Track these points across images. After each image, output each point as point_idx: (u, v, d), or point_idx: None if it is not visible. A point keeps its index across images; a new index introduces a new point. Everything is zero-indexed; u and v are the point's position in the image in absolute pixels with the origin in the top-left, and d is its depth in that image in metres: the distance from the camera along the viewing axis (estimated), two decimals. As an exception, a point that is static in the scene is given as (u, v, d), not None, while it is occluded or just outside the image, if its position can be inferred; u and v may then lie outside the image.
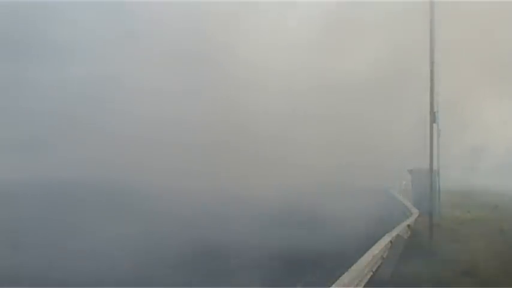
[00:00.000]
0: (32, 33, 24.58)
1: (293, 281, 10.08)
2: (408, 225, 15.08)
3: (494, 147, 33.79)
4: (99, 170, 24.07)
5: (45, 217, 17.31)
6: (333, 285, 6.78)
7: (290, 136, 25.75)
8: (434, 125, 14.85)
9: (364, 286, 8.58)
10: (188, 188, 20.91)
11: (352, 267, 7.89)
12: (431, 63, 14.58)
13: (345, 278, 7.20)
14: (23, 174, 24.47)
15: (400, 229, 13.52)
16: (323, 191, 22.89)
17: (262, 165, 24.26)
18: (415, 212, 18.64)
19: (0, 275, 10.50)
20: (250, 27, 25.33)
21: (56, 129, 24.44)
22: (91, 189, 22.25)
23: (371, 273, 9.27)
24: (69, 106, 24.23)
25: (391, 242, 11.38)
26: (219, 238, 14.24)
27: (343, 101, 26.03)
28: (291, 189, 22.59)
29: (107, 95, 24.19)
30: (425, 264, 11.23)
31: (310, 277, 10.40)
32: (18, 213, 17.79)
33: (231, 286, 9.79)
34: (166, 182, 21.71)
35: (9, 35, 26.39)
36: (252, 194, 20.49)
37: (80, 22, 24.23)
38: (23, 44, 25.25)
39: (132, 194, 21.03)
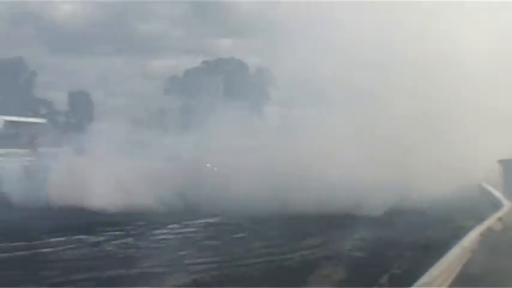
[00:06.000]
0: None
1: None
2: (499, 218, 14.57)
3: None
4: None
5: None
6: (422, 277, 6.64)
7: None
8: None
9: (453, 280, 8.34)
10: None
11: (441, 260, 7.70)
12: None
13: (434, 270, 7.03)
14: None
15: (490, 222, 13.10)
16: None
17: None
18: (507, 204, 17.94)
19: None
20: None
21: None
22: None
23: (460, 266, 9.01)
24: None
25: (481, 234, 11.04)
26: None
27: None
28: None
29: None
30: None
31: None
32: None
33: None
34: None
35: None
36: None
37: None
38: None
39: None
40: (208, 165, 25.60)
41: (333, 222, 16.06)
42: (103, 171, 19.87)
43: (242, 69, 70.72)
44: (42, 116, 65.62)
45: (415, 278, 6.89)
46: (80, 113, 71.35)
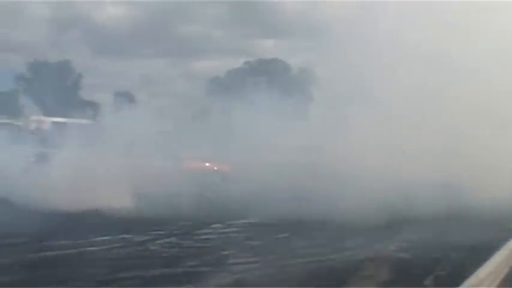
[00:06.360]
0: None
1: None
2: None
3: None
4: None
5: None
6: (468, 279, 6.52)
7: None
8: None
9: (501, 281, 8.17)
10: None
11: (487, 262, 7.55)
12: None
13: (481, 272, 6.90)
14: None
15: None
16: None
17: None
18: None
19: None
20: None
21: None
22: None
23: (507, 268, 8.81)
24: None
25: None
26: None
27: None
28: None
29: None
30: None
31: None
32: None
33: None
34: None
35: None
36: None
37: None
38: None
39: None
40: (207, 164, 25.78)
41: (378, 222, 15.88)
42: (138, 170, 19.75)
43: (285, 69, 70.59)
44: (88, 118, 66.53)
45: (461, 279, 6.78)
46: (124, 113, 72.06)
